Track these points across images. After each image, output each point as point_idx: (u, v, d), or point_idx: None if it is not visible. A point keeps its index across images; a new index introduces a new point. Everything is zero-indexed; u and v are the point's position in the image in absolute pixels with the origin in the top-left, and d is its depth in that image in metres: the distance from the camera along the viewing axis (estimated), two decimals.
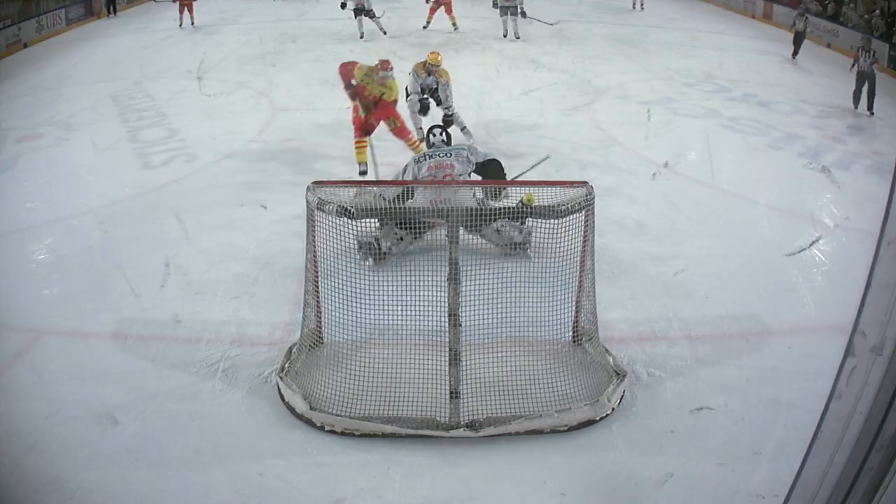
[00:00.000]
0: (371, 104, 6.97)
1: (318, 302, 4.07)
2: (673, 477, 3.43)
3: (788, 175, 7.45)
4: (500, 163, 5.53)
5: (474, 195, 5.03)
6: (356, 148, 7.06)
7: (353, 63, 7.17)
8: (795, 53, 12.87)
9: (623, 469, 3.48)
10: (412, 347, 3.86)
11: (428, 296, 3.78)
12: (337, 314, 3.96)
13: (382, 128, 7.13)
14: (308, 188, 3.93)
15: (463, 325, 3.65)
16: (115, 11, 16.81)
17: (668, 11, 17.42)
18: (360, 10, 13.44)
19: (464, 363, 3.70)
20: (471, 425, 3.66)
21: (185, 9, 15.13)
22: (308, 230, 4.01)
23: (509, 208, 3.62)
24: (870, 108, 9.58)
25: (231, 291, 5.02)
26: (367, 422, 3.67)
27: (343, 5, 13.37)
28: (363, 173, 6.99)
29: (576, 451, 3.59)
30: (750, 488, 3.37)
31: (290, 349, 4.23)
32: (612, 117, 9.17)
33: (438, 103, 7.71)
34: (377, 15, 13.61)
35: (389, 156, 7.08)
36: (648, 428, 3.75)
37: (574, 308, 4.08)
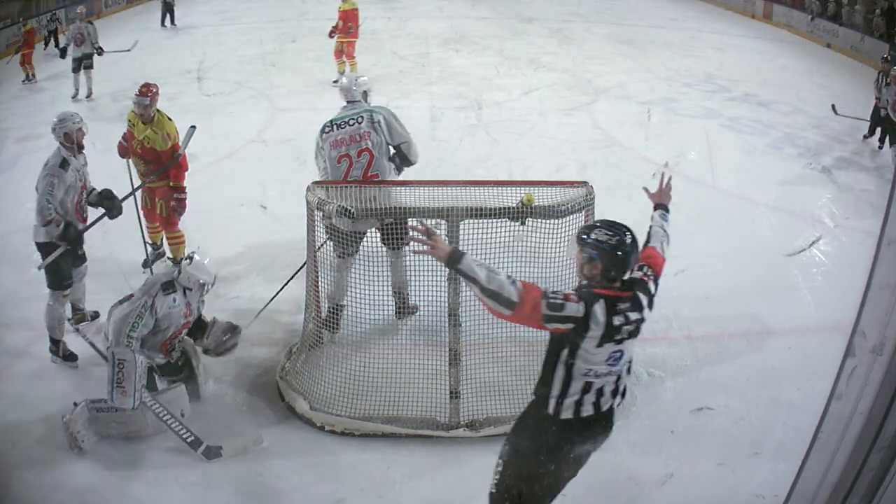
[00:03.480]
0: (142, 159, 5.08)
1: (318, 302, 4.07)
2: (673, 477, 3.43)
3: (788, 175, 7.45)
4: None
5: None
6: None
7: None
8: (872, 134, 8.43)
9: (623, 469, 3.47)
10: (412, 347, 3.86)
11: (428, 296, 3.78)
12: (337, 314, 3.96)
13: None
14: (308, 188, 3.93)
15: (463, 325, 3.65)
16: (57, 44, 12.43)
17: (668, 11, 17.42)
18: (81, 60, 10.04)
19: (464, 363, 3.70)
20: (471, 425, 3.66)
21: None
22: (308, 230, 4.01)
23: (509, 208, 3.62)
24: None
25: (231, 291, 5.02)
26: (367, 422, 3.67)
27: (62, 53, 10.66)
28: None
29: None
30: (750, 488, 3.37)
31: (291, 349, 4.23)
32: (612, 117, 9.16)
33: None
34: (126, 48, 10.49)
35: None
36: (648, 428, 3.75)
37: None
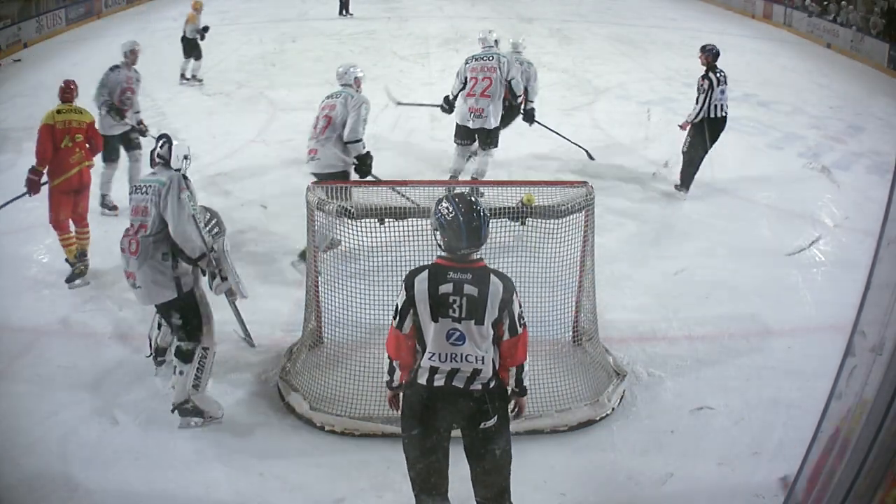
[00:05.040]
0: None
1: (318, 302, 4.07)
2: (673, 477, 3.43)
3: (788, 175, 7.45)
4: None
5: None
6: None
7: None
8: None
9: (623, 469, 3.48)
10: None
11: None
12: (337, 314, 3.96)
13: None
14: (308, 188, 3.94)
15: None
16: None
17: (668, 11, 17.43)
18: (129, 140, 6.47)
19: None
20: None
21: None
22: (308, 230, 4.02)
23: (509, 208, 3.62)
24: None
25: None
26: (367, 422, 3.67)
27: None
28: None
29: (576, 451, 3.59)
30: (750, 488, 3.37)
31: (291, 349, 4.23)
32: (612, 117, 9.17)
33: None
34: None
35: None
36: (648, 428, 3.75)
37: (574, 308, 4.08)
